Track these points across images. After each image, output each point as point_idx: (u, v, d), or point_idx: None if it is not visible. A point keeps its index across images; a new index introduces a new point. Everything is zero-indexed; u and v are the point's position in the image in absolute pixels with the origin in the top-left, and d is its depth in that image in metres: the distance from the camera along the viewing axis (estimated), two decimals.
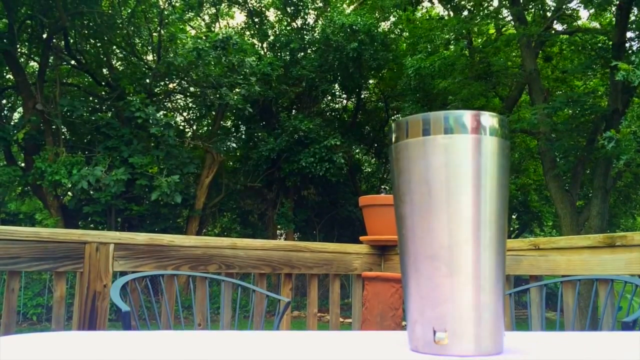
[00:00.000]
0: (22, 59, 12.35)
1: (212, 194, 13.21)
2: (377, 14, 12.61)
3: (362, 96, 15.42)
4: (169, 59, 11.04)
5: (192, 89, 12.77)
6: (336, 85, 13.91)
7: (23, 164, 11.58)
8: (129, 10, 12.36)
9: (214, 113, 13.32)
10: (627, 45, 10.31)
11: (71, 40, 11.94)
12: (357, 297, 3.03)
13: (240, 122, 14.40)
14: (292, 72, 12.50)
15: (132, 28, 12.30)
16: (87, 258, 2.10)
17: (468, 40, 12.18)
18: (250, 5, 13.65)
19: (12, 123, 12.17)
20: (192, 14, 13.71)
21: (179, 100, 14.89)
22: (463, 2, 12.41)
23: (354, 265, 2.92)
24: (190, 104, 14.67)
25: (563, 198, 10.03)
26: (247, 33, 14.05)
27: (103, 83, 12.90)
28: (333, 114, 15.80)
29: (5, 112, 13.28)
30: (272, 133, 12.60)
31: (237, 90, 10.58)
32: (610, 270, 2.04)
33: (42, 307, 10.29)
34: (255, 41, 13.91)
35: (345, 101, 15.80)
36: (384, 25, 13.67)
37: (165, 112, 11.05)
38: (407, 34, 13.62)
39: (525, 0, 11.05)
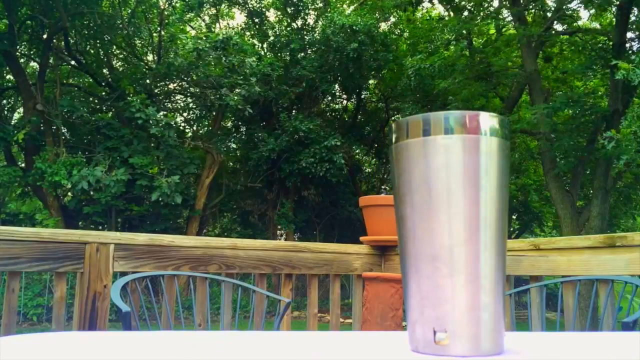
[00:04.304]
0: (23, 60, 12.35)
1: (212, 195, 13.21)
2: (377, 15, 12.61)
3: (362, 96, 15.41)
4: (169, 59, 11.05)
5: (192, 89, 12.77)
6: (336, 86, 13.91)
7: (23, 165, 11.58)
8: (129, 11, 12.36)
9: (214, 113, 13.33)
10: (627, 45, 10.30)
11: (71, 41, 11.95)
12: (357, 297, 3.03)
13: (240, 123, 14.40)
14: (292, 72, 12.50)
15: (132, 28, 12.30)
16: (88, 258, 2.10)
17: (468, 40, 12.17)
18: (250, 5, 13.65)
19: (12, 123, 12.18)
20: (192, 14, 13.72)
21: (179, 101, 14.90)
22: (463, 3, 12.41)
23: (355, 266, 2.92)
24: (190, 105, 14.68)
25: (563, 198, 10.03)
26: (248, 33, 14.05)
27: (103, 83, 12.90)
28: (333, 114, 15.80)
29: (6, 112, 13.29)
30: (272, 133, 12.60)
31: (237, 90, 10.58)
32: (611, 270, 2.04)
33: (42, 308, 10.29)
34: (255, 41, 13.91)
35: (345, 101, 15.80)
36: (384, 26, 13.67)
37: (165, 112, 11.06)
38: (407, 34, 13.62)
39: (525, 1, 11.05)
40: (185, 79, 12.28)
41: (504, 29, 12.82)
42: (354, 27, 11.35)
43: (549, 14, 11.26)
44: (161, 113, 10.33)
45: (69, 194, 11.88)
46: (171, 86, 13.54)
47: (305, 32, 13.51)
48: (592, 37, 11.38)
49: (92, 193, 10.43)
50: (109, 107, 12.33)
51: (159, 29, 12.37)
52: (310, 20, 13.80)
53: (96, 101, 13.41)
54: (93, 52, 12.87)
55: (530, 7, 11.32)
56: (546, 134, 10.00)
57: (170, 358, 0.57)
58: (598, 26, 12.50)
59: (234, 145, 14.49)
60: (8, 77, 12.21)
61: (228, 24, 14.81)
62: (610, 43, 10.36)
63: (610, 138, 7.53)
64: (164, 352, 0.62)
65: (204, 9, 13.63)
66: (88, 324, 2.09)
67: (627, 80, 7.40)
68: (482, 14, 11.87)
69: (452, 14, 12.87)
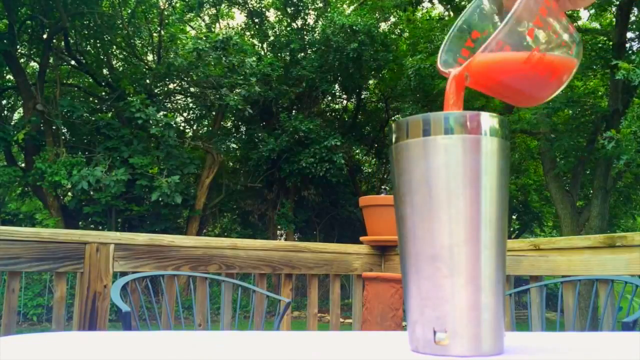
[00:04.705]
0: (23, 60, 12.35)
1: (212, 195, 13.21)
2: (377, 15, 12.60)
3: (362, 97, 15.41)
4: (169, 59, 11.05)
5: (192, 89, 12.77)
6: (336, 86, 13.91)
7: (23, 165, 11.58)
8: (129, 11, 12.37)
9: (214, 113, 13.33)
10: (627, 45, 10.30)
11: (71, 41, 11.95)
12: (357, 297, 3.03)
13: (240, 123, 14.40)
14: (292, 72, 12.50)
15: (132, 28, 12.31)
16: (88, 258, 2.10)
17: None
18: (250, 5, 13.65)
19: (12, 123, 12.18)
20: (192, 14, 13.72)
21: (179, 101, 14.91)
22: (463, 3, 12.40)
23: (354, 266, 2.92)
24: (190, 105, 14.68)
25: (563, 198, 10.03)
26: (248, 33, 14.05)
27: (103, 83, 12.90)
28: (333, 114, 15.80)
29: (6, 112, 13.28)
30: (272, 133, 12.60)
31: (237, 90, 10.58)
32: (611, 270, 2.03)
33: (42, 308, 10.29)
34: (255, 41, 13.91)
35: (345, 101, 15.80)
36: (384, 26, 13.67)
37: (165, 112, 11.06)
38: (407, 34, 13.62)
39: None
40: (185, 79, 12.29)
41: None
42: (354, 27, 11.35)
43: None
44: (161, 113, 10.33)
45: (69, 194, 11.89)
46: (171, 86, 13.54)
47: (305, 32, 13.51)
48: (592, 37, 11.38)
49: (92, 193, 10.43)
50: (109, 107, 12.33)
51: (159, 29, 12.37)
52: (310, 20, 13.80)
53: (96, 101, 13.41)
54: (93, 52, 12.88)
55: None
56: (546, 134, 9.99)
57: (170, 358, 0.57)
58: (598, 26, 12.49)
59: (234, 145, 14.49)
60: (8, 77, 12.21)
61: (228, 24, 14.81)
62: (610, 43, 10.36)
63: (610, 138, 7.53)
64: (164, 352, 0.62)
65: (204, 9, 13.63)
66: (88, 324, 2.09)
67: (627, 80, 7.40)
68: None
69: (452, 14, 12.87)
